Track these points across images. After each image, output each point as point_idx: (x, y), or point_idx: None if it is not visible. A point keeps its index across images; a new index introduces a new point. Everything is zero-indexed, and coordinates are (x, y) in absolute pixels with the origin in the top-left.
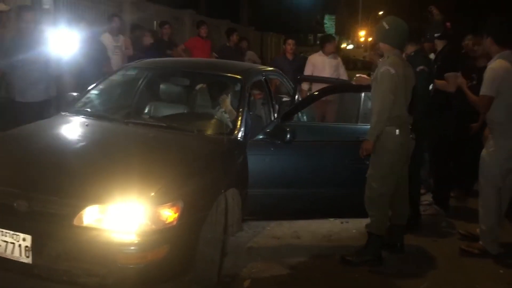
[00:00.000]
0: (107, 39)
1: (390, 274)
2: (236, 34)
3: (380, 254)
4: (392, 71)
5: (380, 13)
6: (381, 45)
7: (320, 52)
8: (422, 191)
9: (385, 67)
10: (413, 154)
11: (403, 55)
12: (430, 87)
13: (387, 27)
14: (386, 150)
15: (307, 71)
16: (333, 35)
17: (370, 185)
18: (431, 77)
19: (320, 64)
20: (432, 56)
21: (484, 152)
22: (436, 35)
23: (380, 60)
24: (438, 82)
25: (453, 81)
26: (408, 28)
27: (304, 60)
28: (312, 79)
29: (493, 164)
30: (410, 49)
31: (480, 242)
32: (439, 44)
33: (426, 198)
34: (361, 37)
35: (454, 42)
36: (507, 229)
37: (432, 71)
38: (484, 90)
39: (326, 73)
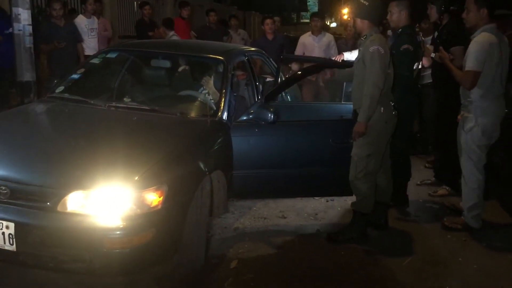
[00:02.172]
0: (81, 21)
1: (375, 250)
2: (212, 14)
3: (365, 231)
4: (382, 50)
5: None
6: (359, 21)
7: (310, 32)
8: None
9: (375, 47)
10: (399, 134)
11: (390, 31)
12: (414, 66)
13: (366, 3)
14: (372, 129)
15: (298, 52)
16: (316, 13)
17: (356, 164)
18: (417, 56)
19: (309, 45)
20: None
21: (461, 131)
22: (452, 8)
23: (362, 38)
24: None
25: (460, 55)
26: (383, 6)
27: (285, 38)
28: (295, 58)
29: (472, 143)
30: (404, 22)
31: (463, 217)
32: (445, 18)
33: (429, 177)
34: (344, 14)
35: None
36: (490, 203)
37: (418, 50)
38: (470, 65)
39: (315, 54)
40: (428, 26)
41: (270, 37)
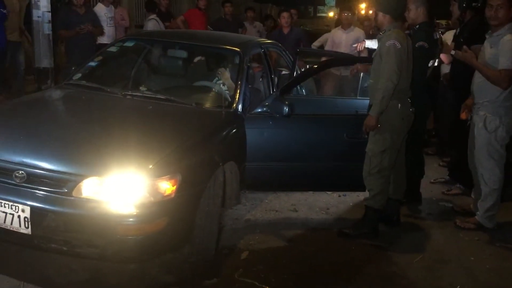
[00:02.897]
0: (100, 9)
1: (386, 247)
2: (228, 6)
3: (377, 227)
4: (398, 45)
5: None
6: (381, 16)
7: (340, 26)
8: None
9: (391, 41)
10: (413, 131)
11: (406, 26)
12: (430, 63)
13: None
14: (388, 124)
15: (328, 46)
16: (333, 7)
17: (370, 160)
18: (432, 54)
19: (337, 38)
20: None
21: (482, 132)
22: (474, 4)
23: (381, 33)
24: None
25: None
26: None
27: (303, 33)
28: (311, 53)
29: (497, 143)
30: (421, 18)
31: (476, 217)
32: (467, 15)
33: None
34: (361, 9)
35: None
36: (503, 204)
37: (433, 48)
38: (509, 63)
39: (342, 47)
40: (455, 22)
41: (286, 30)
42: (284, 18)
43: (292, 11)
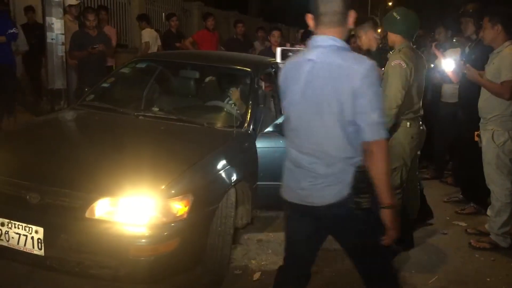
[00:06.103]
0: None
1: (400, 267)
2: (240, 26)
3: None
4: (404, 65)
5: (390, 3)
6: (391, 35)
7: None
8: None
9: (397, 61)
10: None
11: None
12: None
13: (398, 17)
14: (398, 143)
15: None
16: None
17: None
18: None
19: None
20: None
21: (490, 146)
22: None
23: (391, 52)
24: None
25: None
26: (417, 19)
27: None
28: None
29: (505, 156)
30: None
31: (491, 236)
32: (481, 33)
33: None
34: None
35: None
36: None
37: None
38: (510, 74)
39: None
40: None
41: (275, 49)
42: (274, 37)
43: (301, 31)
